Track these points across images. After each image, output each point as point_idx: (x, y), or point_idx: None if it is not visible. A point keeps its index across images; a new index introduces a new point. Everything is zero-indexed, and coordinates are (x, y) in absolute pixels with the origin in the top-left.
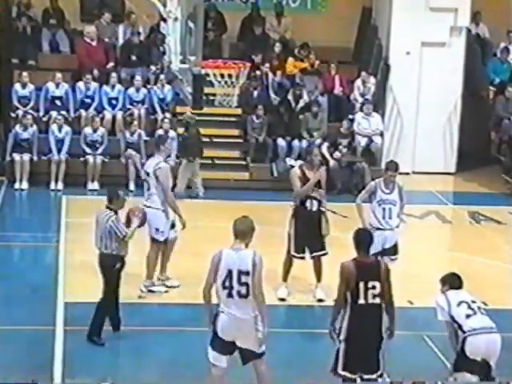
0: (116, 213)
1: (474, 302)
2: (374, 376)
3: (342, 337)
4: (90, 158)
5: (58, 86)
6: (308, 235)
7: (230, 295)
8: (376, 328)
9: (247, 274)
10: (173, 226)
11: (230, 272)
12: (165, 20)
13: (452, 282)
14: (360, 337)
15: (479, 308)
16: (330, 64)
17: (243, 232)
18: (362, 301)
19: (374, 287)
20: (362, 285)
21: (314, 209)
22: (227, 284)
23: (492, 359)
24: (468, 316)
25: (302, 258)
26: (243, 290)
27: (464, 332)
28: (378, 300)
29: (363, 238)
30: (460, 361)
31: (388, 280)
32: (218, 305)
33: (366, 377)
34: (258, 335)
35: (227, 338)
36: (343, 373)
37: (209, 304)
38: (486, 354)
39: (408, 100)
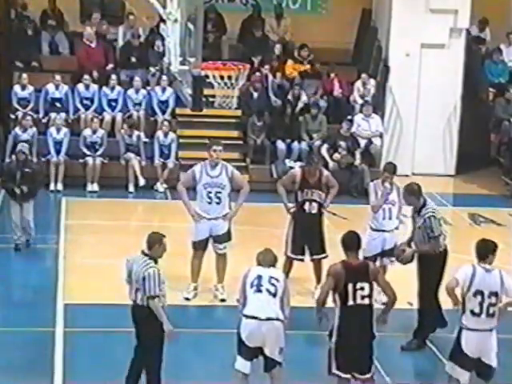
0: (156, 261)
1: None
2: (367, 376)
3: (333, 339)
4: (90, 160)
5: (57, 87)
6: (307, 237)
7: (258, 290)
8: (366, 328)
9: (277, 280)
10: (218, 239)
11: (259, 276)
12: (164, 21)
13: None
14: (351, 337)
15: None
16: (329, 67)
17: (268, 262)
18: (351, 302)
19: (362, 288)
20: (350, 286)
21: (314, 211)
22: (256, 283)
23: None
24: (473, 313)
25: (301, 259)
26: (272, 289)
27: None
28: (367, 301)
29: (350, 241)
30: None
31: (379, 279)
32: (240, 310)
33: (358, 376)
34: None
35: (253, 344)
36: (337, 372)
37: None
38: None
39: (408, 102)
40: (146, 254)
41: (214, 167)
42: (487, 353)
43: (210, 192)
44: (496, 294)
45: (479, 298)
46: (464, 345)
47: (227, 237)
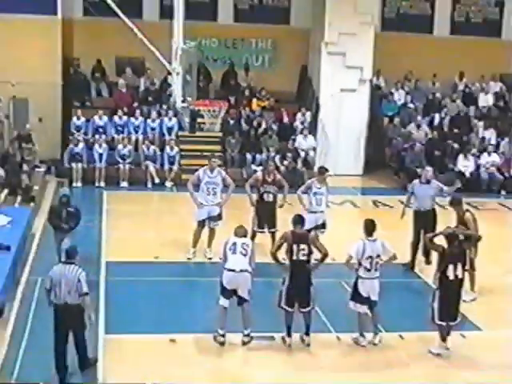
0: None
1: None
2: (307, 309)
3: (285, 283)
4: (121, 166)
5: (100, 118)
6: (265, 217)
7: (234, 252)
8: (306, 275)
9: (247, 245)
10: (213, 218)
11: (235, 243)
12: (170, 74)
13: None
14: (295, 282)
15: (375, 265)
16: (280, 104)
17: (241, 233)
18: (294, 257)
19: (303, 249)
20: (295, 247)
21: (270, 200)
22: (233, 248)
23: None
24: (366, 269)
25: (263, 231)
26: (244, 252)
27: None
28: (305, 257)
29: (296, 219)
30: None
31: (315, 242)
32: (223, 265)
33: (301, 310)
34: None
35: (230, 287)
36: (285, 306)
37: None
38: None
39: (332, 127)
40: (71, 263)
41: (212, 171)
42: (374, 292)
43: (208, 187)
44: (379, 256)
45: (370, 259)
46: (360, 288)
47: (219, 217)
